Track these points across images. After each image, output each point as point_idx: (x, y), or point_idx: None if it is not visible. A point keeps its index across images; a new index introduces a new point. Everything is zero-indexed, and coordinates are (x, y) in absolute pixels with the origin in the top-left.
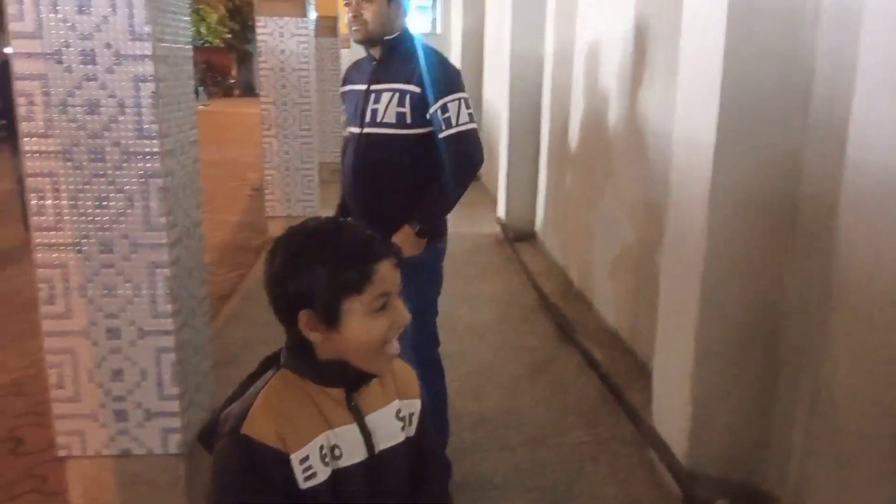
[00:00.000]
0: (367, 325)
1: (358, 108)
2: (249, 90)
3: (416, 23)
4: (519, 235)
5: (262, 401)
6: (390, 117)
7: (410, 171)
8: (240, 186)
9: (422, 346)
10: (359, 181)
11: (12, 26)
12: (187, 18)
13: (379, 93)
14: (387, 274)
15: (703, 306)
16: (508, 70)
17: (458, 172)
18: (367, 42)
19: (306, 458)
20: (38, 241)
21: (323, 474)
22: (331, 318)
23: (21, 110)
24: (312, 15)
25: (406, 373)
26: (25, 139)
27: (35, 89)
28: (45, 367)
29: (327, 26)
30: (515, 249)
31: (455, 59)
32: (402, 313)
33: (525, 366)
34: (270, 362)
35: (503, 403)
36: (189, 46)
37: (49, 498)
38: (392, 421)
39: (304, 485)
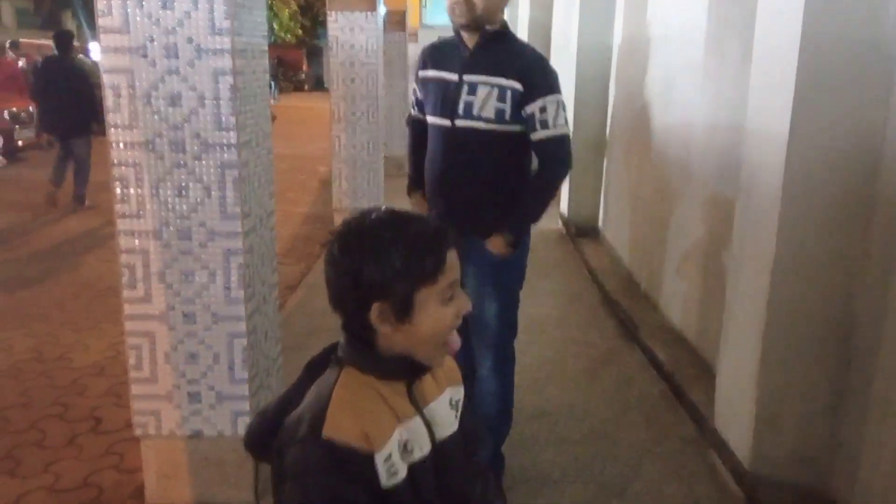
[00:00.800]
0: (438, 314)
1: (447, 98)
2: (319, 84)
3: None
4: (581, 231)
5: (338, 400)
6: (489, 112)
7: (504, 169)
8: (308, 179)
9: (506, 339)
10: (451, 176)
11: (101, 21)
12: (263, 14)
13: (474, 85)
14: (454, 263)
15: (772, 305)
16: (575, 62)
17: (550, 177)
18: (469, 28)
19: (389, 457)
20: (121, 227)
21: (402, 471)
22: (405, 309)
23: (108, 102)
24: (382, 9)
25: (449, 360)
26: (112, 130)
27: (122, 82)
28: (124, 350)
29: (396, 21)
30: (577, 245)
31: None
32: (466, 302)
33: (586, 361)
34: (318, 364)
35: (563, 398)
36: (265, 41)
37: (126, 475)
38: (447, 409)
39: (387, 483)
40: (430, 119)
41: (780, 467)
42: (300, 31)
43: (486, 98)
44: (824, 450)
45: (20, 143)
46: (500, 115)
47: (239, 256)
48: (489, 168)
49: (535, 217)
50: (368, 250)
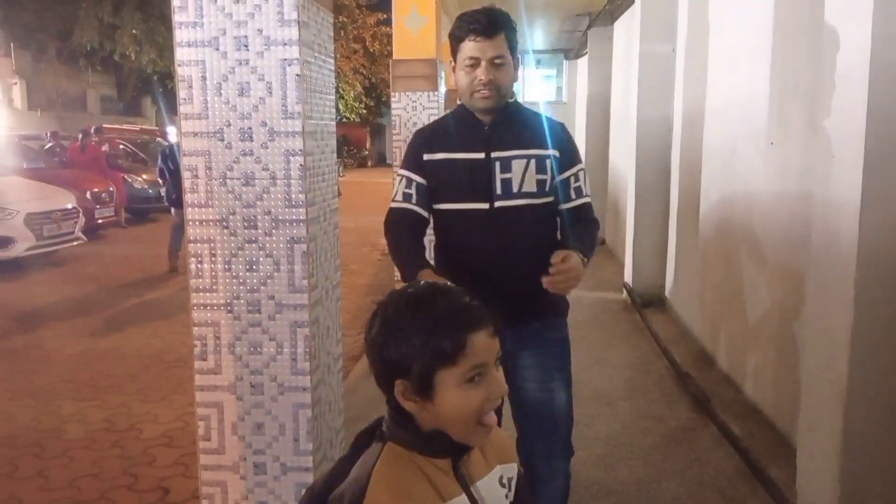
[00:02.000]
0: (460, 396)
1: (478, 179)
2: (381, 161)
3: (541, 91)
4: (647, 301)
5: (378, 477)
6: (530, 186)
7: (545, 244)
8: (371, 252)
9: (571, 431)
10: (496, 262)
11: (182, 108)
12: (332, 97)
13: (507, 161)
14: (482, 344)
15: (852, 381)
16: (636, 133)
17: (590, 241)
18: (492, 109)
19: None
20: (194, 301)
21: None
22: (425, 389)
23: (186, 183)
24: (443, 89)
25: (501, 436)
26: (189, 209)
27: (199, 164)
28: (192, 422)
29: (455, 99)
30: (643, 315)
31: (580, 124)
32: (500, 384)
33: (657, 436)
34: (367, 437)
35: (632, 475)
36: (333, 122)
37: None
38: (496, 487)
39: None
40: (455, 206)
41: None
42: (364, 111)
43: (524, 171)
44: None
45: (100, 220)
46: (541, 186)
47: (305, 328)
48: (533, 246)
49: (593, 248)
50: (389, 327)
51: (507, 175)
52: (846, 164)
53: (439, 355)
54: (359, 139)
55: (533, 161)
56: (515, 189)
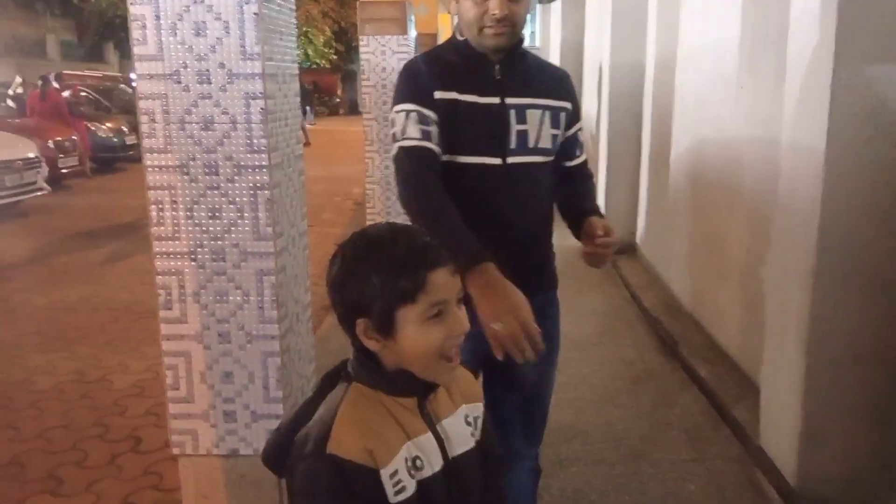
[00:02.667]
0: (422, 333)
1: (494, 130)
2: (354, 109)
3: None
4: (618, 248)
5: (343, 417)
6: (545, 141)
7: (551, 207)
8: (343, 201)
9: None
10: (518, 230)
11: (136, 49)
12: (293, 39)
13: (522, 110)
14: (442, 282)
15: (814, 320)
16: (608, 80)
17: (595, 199)
18: (503, 48)
19: (395, 473)
20: (157, 249)
21: (410, 487)
22: (386, 327)
23: (143, 128)
24: (413, 33)
25: (466, 376)
26: (147, 155)
27: (156, 108)
28: (162, 371)
29: (426, 43)
30: (615, 262)
31: None
32: (461, 322)
33: (625, 380)
34: (331, 379)
35: (601, 417)
36: (295, 65)
37: (165, 494)
38: (462, 426)
39: (393, 500)
40: (463, 160)
41: (829, 487)
42: (335, 56)
43: (540, 124)
44: (875, 469)
45: (64, 171)
46: (554, 143)
47: (272, 276)
48: (545, 210)
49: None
50: (349, 268)
51: (523, 126)
52: (812, 109)
53: (399, 294)
54: (330, 86)
55: (548, 113)
56: (531, 143)
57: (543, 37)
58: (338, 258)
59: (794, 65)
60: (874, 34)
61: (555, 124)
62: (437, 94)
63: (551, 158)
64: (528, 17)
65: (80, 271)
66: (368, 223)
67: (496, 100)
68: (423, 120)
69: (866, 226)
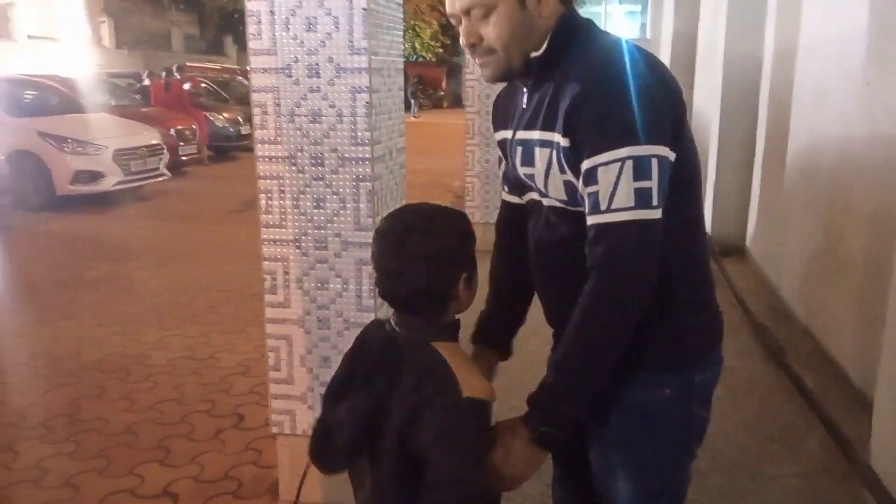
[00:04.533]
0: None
1: (506, 171)
2: (457, 102)
3: (624, 28)
4: (726, 250)
5: (458, 367)
6: (557, 190)
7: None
8: (443, 194)
9: None
10: (547, 299)
11: (251, 44)
12: (400, 33)
13: (530, 147)
14: None
15: None
16: (721, 74)
17: (598, 301)
18: (510, 77)
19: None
20: (264, 236)
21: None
22: (470, 279)
23: (256, 119)
24: None
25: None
26: (258, 145)
27: (268, 101)
28: (265, 352)
29: None
30: (720, 264)
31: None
32: None
33: (726, 388)
34: (379, 367)
35: None
36: (401, 59)
37: (264, 470)
38: None
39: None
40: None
41: None
42: (441, 50)
43: (546, 167)
44: None
45: (183, 157)
46: (571, 193)
47: (370, 266)
48: (572, 282)
49: (579, 375)
50: (443, 231)
51: (529, 170)
52: None
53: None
54: (434, 79)
55: (554, 152)
56: (544, 191)
57: (655, 29)
58: (424, 232)
59: None
60: None
61: (562, 170)
62: (496, 136)
63: (575, 208)
64: (601, 16)
65: (194, 254)
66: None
67: (508, 134)
68: (498, 163)
69: None
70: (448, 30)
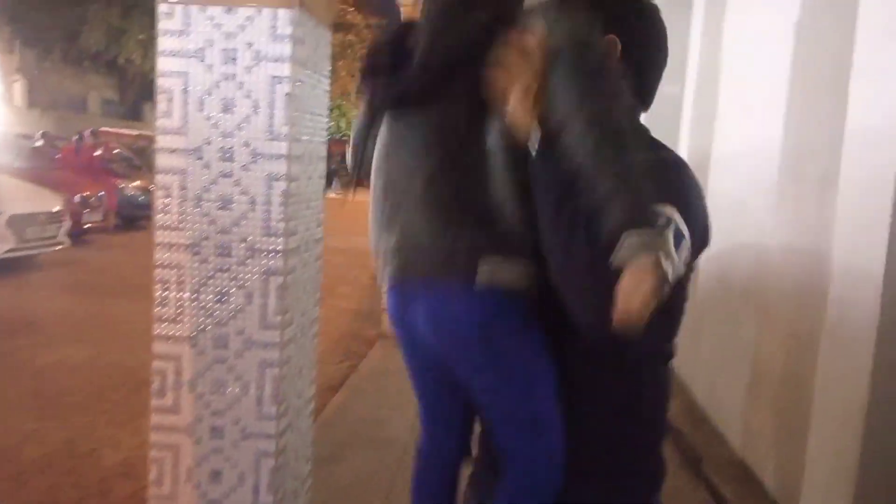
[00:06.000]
0: None
1: None
2: None
3: None
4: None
5: None
6: None
7: None
8: (361, 274)
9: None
10: None
11: (160, 122)
12: (325, 120)
13: None
14: None
15: (865, 455)
16: None
17: None
18: None
19: None
20: (157, 332)
21: None
22: None
23: (158, 203)
24: None
25: None
26: (158, 231)
27: (174, 183)
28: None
29: None
30: None
31: None
32: None
33: None
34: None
35: None
36: (324, 146)
37: None
38: None
39: None
40: None
41: None
42: None
43: None
44: None
45: (87, 225)
46: None
47: (275, 368)
48: None
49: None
50: None
51: None
52: (869, 232)
53: None
54: None
55: None
56: None
57: None
58: None
59: (849, 182)
60: None
61: None
62: None
63: None
64: None
65: (87, 330)
66: (383, 303)
67: None
68: None
69: None
70: None
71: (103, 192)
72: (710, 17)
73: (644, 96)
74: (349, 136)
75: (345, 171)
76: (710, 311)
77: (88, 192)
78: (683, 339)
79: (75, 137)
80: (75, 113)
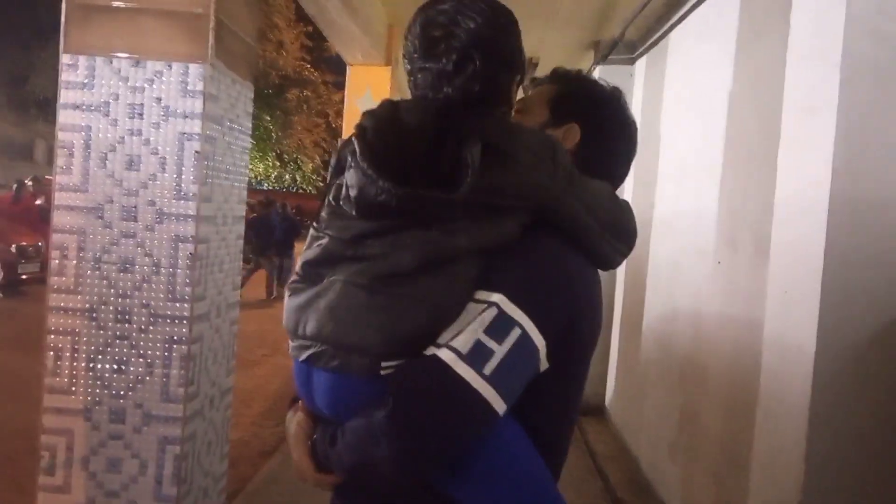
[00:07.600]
0: None
1: None
2: None
3: None
4: (584, 409)
5: None
6: None
7: None
8: None
9: None
10: None
11: (58, 178)
12: (244, 178)
13: None
14: None
15: None
16: None
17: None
18: None
19: None
20: (47, 403)
21: None
22: None
23: (53, 264)
24: None
25: None
26: (52, 294)
27: (71, 243)
28: None
29: None
30: (580, 424)
31: None
32: None
33: None
34: None
35: None
36: (242, 207)
37: None
38: None
39: None
40: None
41: None
42: (322, 184)
43: None
44: None
45: (23, 276)
46: None
47: (176, 446)
48: None
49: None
50: None
51: None
52: (801, 302)
53: None
54: (313, 210)
55: None
56: None
57: None
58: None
59: (779, 250)
60: (868, 226)
61: None
62: None
63: None
64: None
65: (12, 389)
66: None
67: None
68: None
69: (860, 440)
70: (328, 164)
71: (41, 243)
72: (650, 85)
73: (611, 179)
74: (305, 189)
75: (302, 225)
76: (651, 376)
77: (26, 242)
78: (627, 401)
79: (14, 185)
80: (20, 160)
